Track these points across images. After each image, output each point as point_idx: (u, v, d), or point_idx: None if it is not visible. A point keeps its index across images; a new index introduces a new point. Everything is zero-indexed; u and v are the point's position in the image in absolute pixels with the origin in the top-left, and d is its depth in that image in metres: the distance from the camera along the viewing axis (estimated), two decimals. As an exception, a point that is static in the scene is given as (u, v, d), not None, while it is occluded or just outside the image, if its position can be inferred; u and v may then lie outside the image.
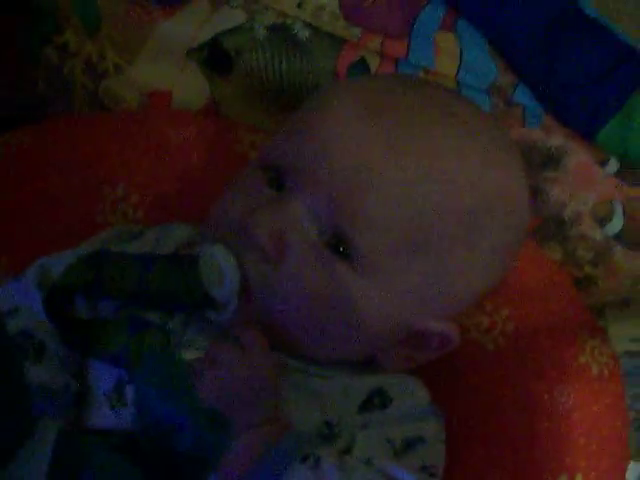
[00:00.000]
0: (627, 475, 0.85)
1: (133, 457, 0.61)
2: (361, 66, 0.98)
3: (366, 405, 0.77)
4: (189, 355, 0.74)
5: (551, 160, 0.96)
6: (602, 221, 0.96)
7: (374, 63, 0.97)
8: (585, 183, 0.96)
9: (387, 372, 0.80)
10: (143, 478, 0.59)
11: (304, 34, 0.98)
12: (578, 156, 0.95)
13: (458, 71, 0.97)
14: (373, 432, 0.75)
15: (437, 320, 0.78)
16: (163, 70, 1.00)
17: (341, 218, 0.73)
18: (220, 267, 0.73)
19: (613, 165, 0.95)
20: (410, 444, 0.76)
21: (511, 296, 0.87)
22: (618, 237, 0.96)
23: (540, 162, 0.95)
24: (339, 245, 0.74)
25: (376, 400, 0.77)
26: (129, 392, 0.75)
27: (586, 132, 0.95)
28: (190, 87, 1.00)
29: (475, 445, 0.82)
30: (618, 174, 0.96)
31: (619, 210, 0.95)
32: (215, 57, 1.00)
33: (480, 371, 0.86)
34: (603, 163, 0.95)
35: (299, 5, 0.97)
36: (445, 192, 0.74)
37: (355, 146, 0.74)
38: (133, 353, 0.75)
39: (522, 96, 0.97)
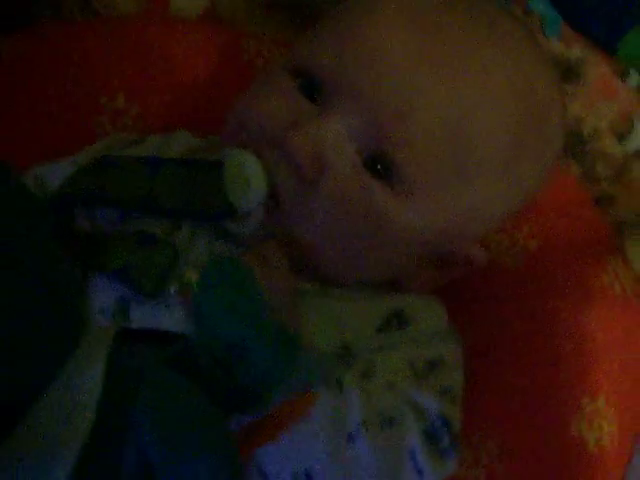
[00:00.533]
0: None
1: (193, 378, 0.56)
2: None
3: (384, 326, 0.74)
4: (193, 275, 0.70)
5: (570, 72, 0.92)
6: (621, 137, 0.92)
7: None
8: (605, 97, 0.92)
9: (408, 292, 0.76)
10: (205, 400, 0.54)
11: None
12: (598, 68, 0.92)
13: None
14: (393, 354, 0.72)
15: (467, 241, 0.76)
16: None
17: (384, 137, 0.69)
18: (247, 174, 0.69)
19: (634, 78, 0.92)
20: (431, 366, 0.73)
21: (532, 213, 0.83)
22: (637, 153, 0.92)
23: (561, 74, 0.91)
24: (377, 163, 0.70)
25: (394, 321, 0.74)
26: (134, 311, 0.71)
27: (606, 41, 0.91)
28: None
29: (495, 370, 0.79)
30: (639, 89, 0.92)
31: (639, 126, 0.92)
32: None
33: (500, 291, 0.83)
34: (623, 75, 0.91)
35: None
36: (493, 113, 0.71)
37: (404, 60, 0.69)
38: (138, 270, 0.71)
39: (539, 3, 0.93)
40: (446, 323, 0.77)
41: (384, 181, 0.70)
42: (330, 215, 0.70)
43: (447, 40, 0.70)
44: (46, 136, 0.84)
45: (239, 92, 0.82)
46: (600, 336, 0.80)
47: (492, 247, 0.84)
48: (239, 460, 0.58)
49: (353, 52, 0.70)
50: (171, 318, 0.68)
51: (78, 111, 0.85)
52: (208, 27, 0.90)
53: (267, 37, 0.90)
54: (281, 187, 0.70)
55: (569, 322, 0.80)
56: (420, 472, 0.68)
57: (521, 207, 0.78)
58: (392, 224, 0.71)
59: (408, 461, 0.68)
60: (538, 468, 0.79)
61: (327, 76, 0.70)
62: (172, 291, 0.70)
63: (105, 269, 0.71)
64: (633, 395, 0.82)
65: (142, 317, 0.70)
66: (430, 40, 0.70)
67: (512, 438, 0.78)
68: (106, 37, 0.88)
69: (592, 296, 0.81)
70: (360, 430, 0.66)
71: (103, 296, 0.72)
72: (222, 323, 0.55)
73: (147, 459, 0.53)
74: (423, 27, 0.70)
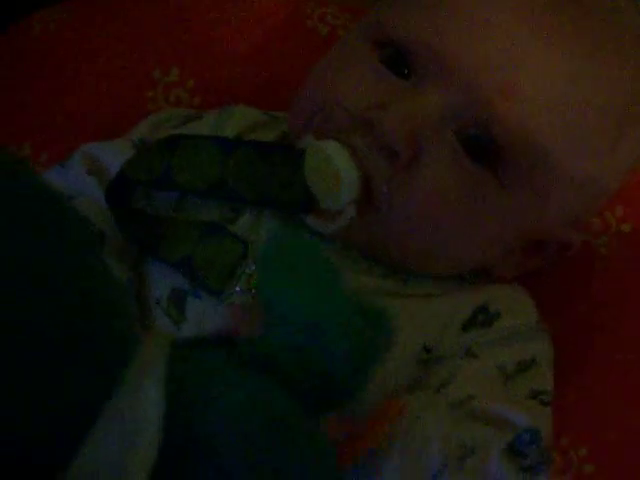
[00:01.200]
0: None
1: (270, 376, 0.48)
2: None
3: (470, 324, 0.68)
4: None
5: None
6: None
7: None
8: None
9: (493, 282, 0.70)
10: (290, 402, 0.47)
11: None
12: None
13: None
14: (481, 358, 0.66)
15: (563, 227, 0.69)
16: None
17: (488, 117, 0.62)
18: (336, 168, 0.62)
19: None
20: (522, 368, 0.67)
21: (624, 193, 0.76)
22: None
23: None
24: (477, 146, 0.63)
25: (480, 317, 0.68)
26: (190, 306, 0.66)
27: None
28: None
29: (587, 365, 0.72)
30: None
31: None
32: None
33: (591, 278, 0.76)
34: None
35: None
36: (604, 96, 0.65)
37: (509, 37, 0.63)
38: (204, 264, 0.65)
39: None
40: (535, 317, 0.71)
41: (486, 166, 0.64)
42: (426, 205, 0.64)
43: (557, 18, 0.64)
44: (96, 113, 0.79)
45: (303, 63, 0.77)
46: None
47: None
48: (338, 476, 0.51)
49: (457, 23, 0.63)
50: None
51: (129, 86, 0.80)
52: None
53: (332, 2, 0.83)
54: (373, 178, 0.63)
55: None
56: None
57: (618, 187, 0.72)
58: (491, 213, 0.65)
59: None
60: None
61: (422, 48, 0.63)
62: (237, 289, 0.64)
63: (167, 258, 0.67)
64: None
65: (199, 314, 0.66)
66: (536, 17, 0.63)
67: (605, 441, 0.72)
68: (158, 6, 0.82)
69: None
70: (443, 472, 0.59)
71: (160, 285, 0.68)
72: (290, 303, 0.47)
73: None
74: (529, 4, 0.64)
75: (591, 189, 0.69)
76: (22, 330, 0.41)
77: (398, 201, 0.63)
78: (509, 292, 0.71)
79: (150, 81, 0.80)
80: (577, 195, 0.68)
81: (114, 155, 0.71)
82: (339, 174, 0.62)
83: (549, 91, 0.63)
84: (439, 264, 0.68)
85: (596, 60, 0.65)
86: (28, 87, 0.80)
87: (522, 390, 0.66)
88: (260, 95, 0.79)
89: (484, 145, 0.63)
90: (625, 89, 0.66)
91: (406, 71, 0.64)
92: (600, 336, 0.74)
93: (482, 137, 0.63)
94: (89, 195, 0.70)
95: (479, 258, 0.69)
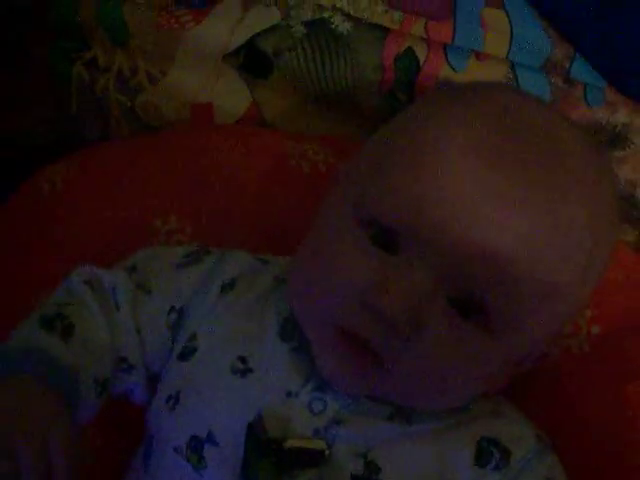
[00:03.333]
0: None
1: None
2: (409, 57, 0.93)
3: (483, 459, 0.73)
4: None
5: (618, 139, 0.91)
6: (676, 195, 0.91)
7: (422, 52, 0.92)
8: (655, 158, 0.91)
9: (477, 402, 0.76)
10: None
11: (345, 28, 0.93)
12: (646, 130, 0.91)
13: (509, 50, 0.92)
14: None
15: (547, 343, 0.75)
16: (200, 78, 0.96)
17: (474, 281, 0.67)
18: None
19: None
20: None
21: (593, 295, 0.82)
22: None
23: (607, 142, 0.91)
24: (467, 306, 0.68)
25: (495, 454, 0.73)
26: (209, 452, 0.72)
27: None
28: (230, 93, 0.96)
29: (569, 459, 0.78)
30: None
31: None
32: (253, 60, 0.95)
33: (567, 377, 0.83)
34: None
35: (335, -7, 0.91)
36: (571, 239, 0.69)
37: (484, 208, 0.66)
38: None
39: (580, 70, 0.92)
40: (534, 435, 0.76)
41: (480, 324, 0.69)
42: (429, 366, 0.69)
43: (524, 178, 0.68)
44: (103, 263, 0.85)
45: (290, 203, 0.84)
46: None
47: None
48: None
49: (430, 207, 0.67)
50: None
51: (133, 235, 0.87)
52: (253, 136, 0.91)
53: (308, 137, 0.90)
54: (380, 348, 0.68)
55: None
56: None
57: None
58: (488, 358, 0.70)
59: None
60: None
61: (405, 226, 0.67)
62: None
63: None
64: None
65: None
66: (508, 176, 0.67)
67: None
68: (155, 156, 0.90)
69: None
70: None
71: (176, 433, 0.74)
72: None
73: None
74: (495, 163, 0.67)
75: (568, 315, 0.74)
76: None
77: (401, 364, 0.68)
78: (515, 424, 0.76)
79: (153, 229, 0.87)
80: (555, 323, 0.73)
81: (110, 281, 0.77)
82: None
83: (526, 250, 0.67)
84: (442, 405, 0.73)
85: (567, 216, 0.68)
86: (39, 243, 0.88)
87: None
88: (252, 236, 0.86)
89: (475, 305, 0.68)
90: (591, 230, 0.70)
91: (393, 247, 0.68)
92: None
93: (471, 298, 0.67)
94: (85, 301, 0.75)
95: (480, 390, 0.75)
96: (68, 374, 0.70)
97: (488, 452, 0.73)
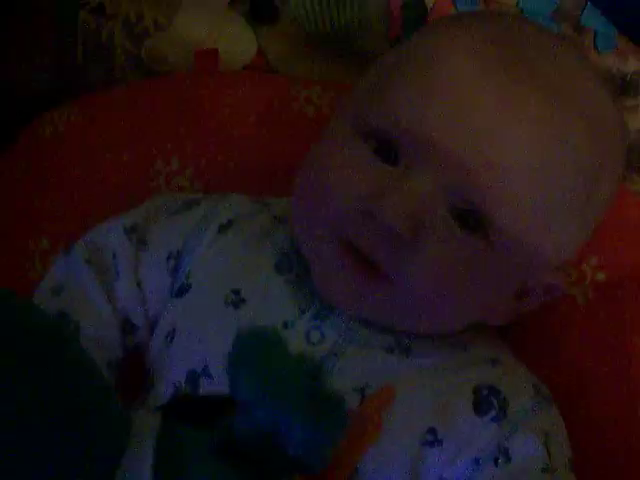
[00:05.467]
0: None
1: (234, 461, 0.56)
2: (417, 2, 0.92)
3: (482, 407, 0.72)
4: None
5: (629, 87, 0.89)
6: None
7: (429, -3, 0.91)
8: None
9: (479, 338, 0.76)
10: None
11: (352, -26, 0.92)
12: (657, 79, 0.89)
13: (520, -3, 0.91)
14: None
15: (550, 271, 0.74)
16: (206, 24, 0.95)
17: (476, 191, 0.67)
18: None
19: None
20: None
21: (599, 242, 0.81)
22: None
23: (618, 91, 0.89)
24: (469, 219, 0.68)
25: (494, 402, 0.72)
26: (205, 386, 0.71)
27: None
28: (236, 40, 0.95)
29: (572, 416, 0.77)
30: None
31: None
32: (260, 6, 0.94)
33: (570, 328, 0.81)
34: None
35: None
36: (573, 154, 0.69)
37: (485, 114, 0.67)
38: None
39: (591, 18, 0.90)
40: (533, 387, 0.75)
41: (481, 236, 0.68)
42: (430, 277, 0.68)
43: (527, 86, 0.68)
44: (105, 206, 0.84)
45: (294, 146, 0.82)
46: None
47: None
48: None
49: (436, 109, 0.67)
50: None
51: (134, 178, 0.86)
52: (257, 79, 0.90)
53: (314, 82, 0.89)
54: (381, 259, 0.68)
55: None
56: None
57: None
58: (489, 272, 0.70)
59: None
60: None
61: (407, 136, 0.68)
62: None
63: None
64: None
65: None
66: (508, 88, 0.68)
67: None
68: (158, 98, 0.89)
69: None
70: None
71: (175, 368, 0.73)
72: (255, 406, 0.55)
73: None
74: (501, 73, 0.68)
75: (570, 240, 0.73)
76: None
77: (402, 276, 0.68)
78: (513, 372, 0.75)
79: (154, 172, 0.86)
80: (557, 247, 0.72)
81: (107, 235, 0.77)
82: None
83: (533, 168, 0.67)
84: (442, 326, 0.73)
85: (563, 124, 0.69)
86: (42, 185, 0.87)
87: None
88: (256, 178, 0.85)
89: (476, 216, 0.68)
90: (592, 147, 0.70)
91: (394, 156, 0.68)
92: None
93: (472, 209, 0.68)
94: (84, 284, 0.75)
95: (479, 312, 0.74)
96: None
97: (488, 401, 0.72)
